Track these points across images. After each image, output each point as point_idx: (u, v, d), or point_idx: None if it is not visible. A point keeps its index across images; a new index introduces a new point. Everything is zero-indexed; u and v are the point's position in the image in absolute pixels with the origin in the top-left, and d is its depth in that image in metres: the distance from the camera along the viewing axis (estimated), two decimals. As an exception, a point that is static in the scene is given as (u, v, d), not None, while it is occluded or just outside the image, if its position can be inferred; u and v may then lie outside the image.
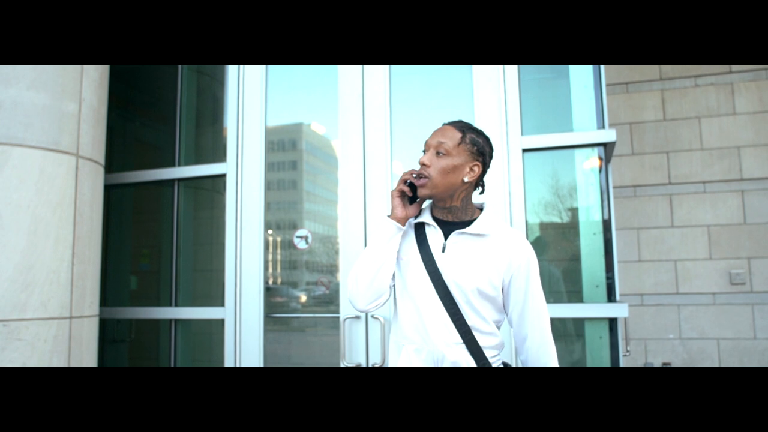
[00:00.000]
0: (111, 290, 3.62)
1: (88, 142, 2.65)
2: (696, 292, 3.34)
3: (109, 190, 3.29)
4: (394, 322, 1.87)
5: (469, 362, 1.73)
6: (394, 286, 1.86)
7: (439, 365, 1.73)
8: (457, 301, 1.75)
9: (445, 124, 1.85)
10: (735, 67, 3.50)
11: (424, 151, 1.83)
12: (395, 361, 1.78)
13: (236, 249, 3.13)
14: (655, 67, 3.46)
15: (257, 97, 3.23)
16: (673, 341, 3.31)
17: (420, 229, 1.82)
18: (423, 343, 1.75)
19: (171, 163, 3.49)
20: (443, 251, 1.78)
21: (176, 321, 3.36)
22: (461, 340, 1.74)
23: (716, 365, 3.28)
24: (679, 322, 3.29)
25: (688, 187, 3.37)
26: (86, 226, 2.62)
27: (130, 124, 4.00)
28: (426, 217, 1.83)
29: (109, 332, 3.62)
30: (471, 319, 1.76)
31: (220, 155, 3.36)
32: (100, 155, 2.81)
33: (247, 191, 3.17)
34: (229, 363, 3.07)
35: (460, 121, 1.85)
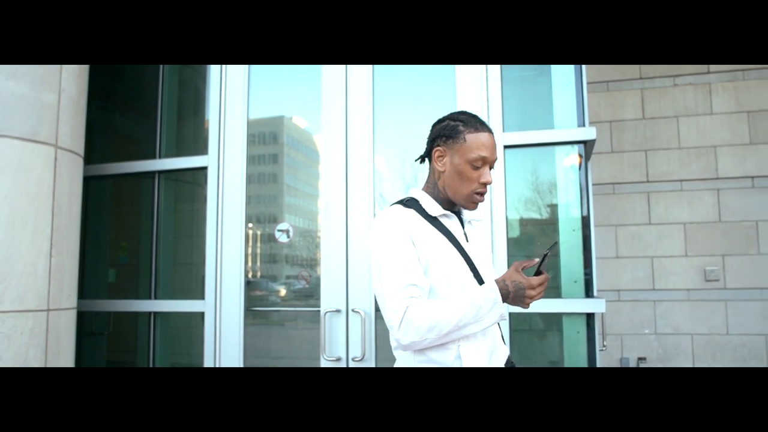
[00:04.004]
0: (89, 283, 3.58)
1: (67, 133, 2.62)
2: (671, 289, 3.40)
3: (89, 181, 3.25)
4: None
5: (507, 350, 1.77)
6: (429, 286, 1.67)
7: (494, 357, 1.69)
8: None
9: (491, 131, 1.72)
10: (713, 68, 3.56)
11: (478, 167, 1.66)
12: (447, 361, 1.59)
13: (217, 242, 3.12)
14: (635, 66, 3.50)
15: (239, 90, 3.21)
16: (648, 336, 3.37)
17: (435, 221, 1.70)
18: (481, 336, 1.63)
19: (152, 156, 3.46)
20: (467, 240, 1.74)
21: (155, 314, 3.34)
22: (500, 330, 1.76)
23: (690, 360, 3.34)
24: (655, 318, 3.35)
25: (666, 185, 3.43)
26: (64, 218, 2.59)
27: (111, 115, 3.95)
28: (439, 209, 1.70)
29: (86, 325, 3.58)
30: None
31: (201, 148, 3.34)
32: (80, 146, 2.77)
33: (229, 184, 3.16)
34: (208, 356, 3.06)
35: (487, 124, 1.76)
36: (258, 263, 3.40)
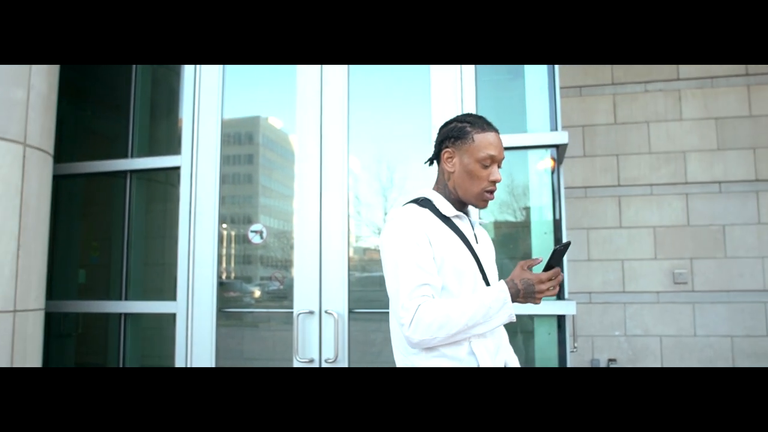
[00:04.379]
0: (58, 283, 3.52)
1: (37, 131, 2.57)
2: (641, 291, 3.46)
3: (58, 180, 3.20)
4: None
5: (510, 350, 1.81)
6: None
7: (500, 354, 1.72)
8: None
9: (497, 132, 1.75)
10: (682, 75, 3.63)
11: (486, 165, 1.69)
12: (460, 356, 1.60)
13: (189, 243, 3.09)
14: (608, 71, 3.56)
15: (214, 89, 3.19)
16: (618, 338, 3.42)
17: (449, 222, 1.71)
18: (490, 333, 1.64)
19: (124, 155, 3.42)
20: (477, 242, 1.76)
21: (126, 315, 3.30)
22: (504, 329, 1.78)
23: (658, 361, 3.40)
24: (625, 320, 3.40)
25: (636, 189, 3.49)
26: (32, 217, 2.54)
27: (82, 113, 3.89)
28: (452, 209, 1.72)
29: (55, 326, 3.52)
30: None
31: (174, 147, 3.31)
32: (49, 144, 2.73)
33: (202, 185, 3.13)
34: (180, 358, 3.03)
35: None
36: (232, 264, 3.37)
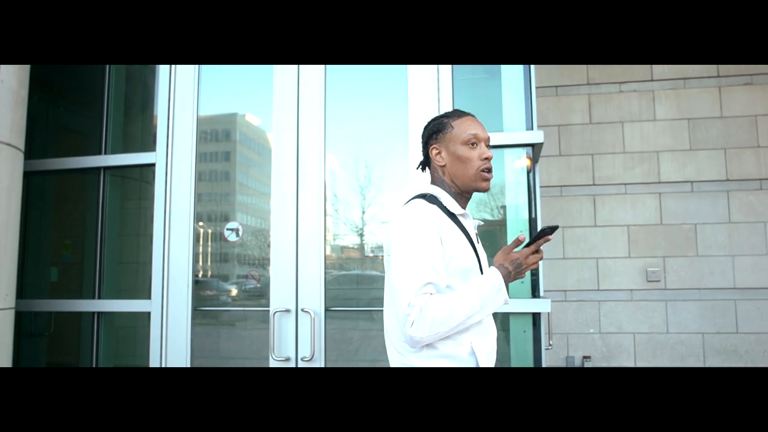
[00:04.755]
0: (29, 282, 3.46)
1: (6, 126, 2.52)
2: (615, 289, 3.50)
3: (30, 177, 3.15)
4: None
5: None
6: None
7: (493, 353, 1.71)
8: None
9: (474, 116, 1.78)
10: (656, 76, 3.68)
11: (474, 144, 1.71)
12: (461, 356, 1.60)
13: (164, 241, 3.06)
14: (583, 72, 3.59)
15: (189, 85, 3.15)
16: (593, 335, 3.46)
17: (455, 219, 1.71)
18: (487, 334, 1.67)
19: (97, 151, 3.37)
20: (477, 242, 1.76)
21: (99, 314, 3.25)
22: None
23: (632, 359, 3.45)
24: (599, 318, 3.44)
25: (611, 189, 3.53)
26: (2, 214, 2.49)
27: (54, 108, 3.82)
28: (459, 207, 1.72)
29: (26, 326, 3.46)
30: None
31: (149, 144, 3.27)
32: (20, 140, 2.67)
33: (177, 182, 3.10)
34: (154, 357, 3.00)
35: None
36: (209, 262, 3.34)
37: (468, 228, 1.72)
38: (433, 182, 1.78)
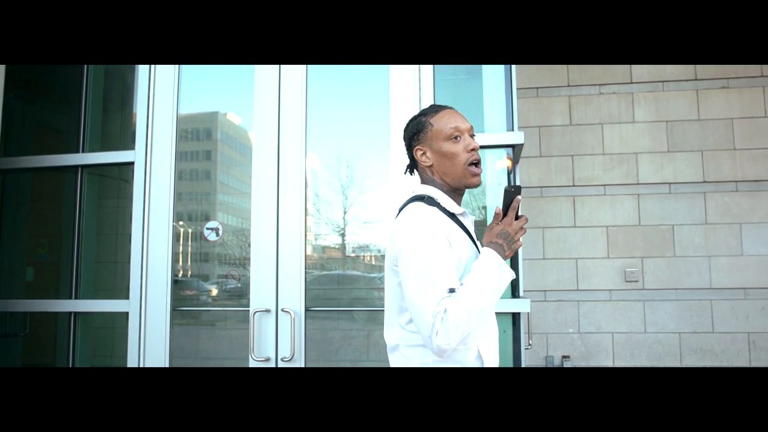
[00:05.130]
0: (4, 282, 3.41)
1: (-20, 123, 2.48)
2: (594, 289, 3.54)
3: (5, 174, 3.10)
4: None
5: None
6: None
7: (497, 353, 1.66)
8: None
9: (451, 108, 1.73)
10: (635, 78, 3.72)
11: (457, 138, 1.66)
12: (468, 361, 1.56)
13: (143, 240, 3.03)
14: (564, 74, 3.62)
15: (169, 83, 3.12)
16: (572, 335, 3.49)
17: (455, 220, 1.65)
18: (490, 334, 1.63)
19: (75, 149, 3.33)
20: (477, 239, 1.70)
21: (76, 314, 3.21)
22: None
23: (610, 358, 3.48)
24: (578, 317, 3.47)
25: (590, 190, 3.56)
26: (-24, 212, 2.45)
27: (30, 105, 3.76)
28: (457, 207, 1.68)
29: (0, 326, 3.40)
30: None
31: (128, 142, 3.23)
32: (-6, 137, 2.63)
33: (156, 181, 3.07)
34: (132, 358, 2.97)
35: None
36: (189, 262, 3.32)
37: (468, 227, 1.68)
38: (424, 183, 1.72)
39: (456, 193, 1.70)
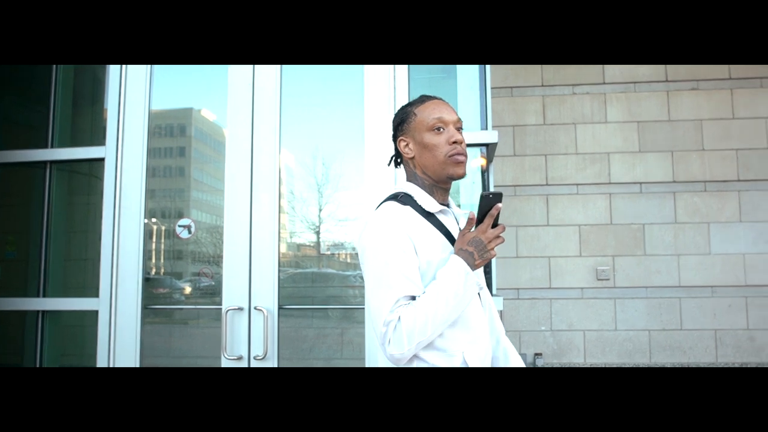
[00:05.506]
0: (-30, 280, 3.34)
1: (-56, 117, 2.42)
2: (566, 287, 3.58)
3: (-30, 170, 3.03)
4: None
5: (507, 340, 1.72)
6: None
7: (488, 357, 1.61)
8: (479, 292, 1.62)
9: (440, 99, 1.67)
10: (608, 79, 3.77)
11: (440, 129, 1.60)
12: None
13: (113, 237, 2.99)
14: (538, 74, 3.66)
15: (141, 78, 3.08)
16: (545, 333, 3.53)
17: (432, 218, 1.58)
18: (478, 339, 1.55)
19: (43, 144, 3.27)
20: None
21: (44, 313, 3.15)
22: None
23: (582, 355, 3.53)
24: (551, 315, 3.51)
25: (563, 189, 3.60)
26: (-61, 208, 2.39)
27: (-2, 100, 3.69)
28: (435, 204, 1.60)
29: (-34, 325, 3.33)
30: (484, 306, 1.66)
31: (98, 138, 3.18)
32: (-41, 132, 2.57)
33: (128, 177, 3.03)
34: (102, 357, 2.93)
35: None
36: (162, 259, 3.28)
37: (449, 225, 1.61)
38: (408, 177, 1.67)
39: (439, 188, 1.64)
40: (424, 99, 1.67)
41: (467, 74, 3.08)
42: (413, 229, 1.51)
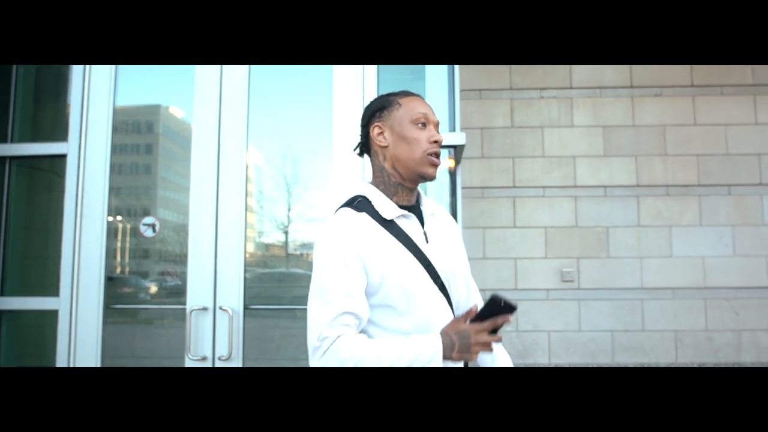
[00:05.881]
0: (-76, 278, 3.23)
1: None
2: (532, 288, 3.62)
3: (-75, 165, 2.94)
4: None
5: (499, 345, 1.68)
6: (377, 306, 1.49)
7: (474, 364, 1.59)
8: (450, 294, 1.58)
9: (419, 96, 1.66)
10: (575, 83, 3.83)
11: (423, 124, 1.56)
12: None
13: (75, 235, 2.93)
14: (506, 77, 3.69)
15: (106, 73, 3.03)
16: (510, 333, 3.57)
17: (391, 224, 1.51)
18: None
19: (3, 139, 3.19)
20: (427, 241, 1.57)
21: (2, 312, 3.08)
22: None
23: (547, 356, 3.57)
24: (517, 316, 3.55)
25: (530, 191, 3.64)
26: None
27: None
28: (395, 210, 1.53)
29: None
30: (459, 309, 1.63)
31: (61, 134, 3.12)
32: None
33: (91, 174, 2.97)
34: (62, 357, 2.87)
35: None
36: (127, 258, 3.23)
37: (410, 231, 1.54)
38: (373, 171, 1.62)
39: (405, 187, 1.59)
40: (408, 93, 1.65)
41: (436, 76, 3.10)
42: (365, 240, 1.46)
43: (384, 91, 3.05)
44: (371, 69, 2.94)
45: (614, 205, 3.73)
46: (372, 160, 1.63)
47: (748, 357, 3.66)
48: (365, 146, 1.65)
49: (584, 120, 3.82)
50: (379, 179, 1.59)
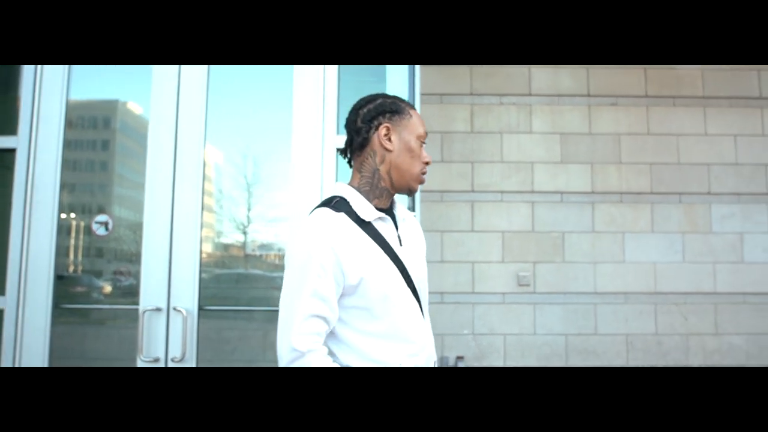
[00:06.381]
0: None
1: None
2: (489, 292, 3.67)
3: None
4: (360, 341, 1.48)
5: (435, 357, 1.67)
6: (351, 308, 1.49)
7: (430, 365, 1.59)
8: (421, 299, 1.60)
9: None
10: (534, 91, 3.90)
11: (424, 143, 1.64)
12: None
13: (23, 232, 2.85)
14: (467, 82, 3.74)
15: (59, 66, 2.96)
16: (467, 336, 3.61)
17: (368, 226, 1.51)
18: (420, 351, 1.53)
19: (-51, 132, 3.08)
20: (401, 244, 1.59)
21: (-56, 311, 2.97)
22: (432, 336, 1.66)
23: (502, 359, 3.62)
24: (473, 319, 3.59)
25: (488, 196, 3.69)
26: None
27: None
28: (373, 212, 1.54)
29: None
30: (424, 312, 1.65)
31: (10, 127, 3.03)
32: None
33: (41, 170, 2.90)
34: (6, 358, 2.79)
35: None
36: (80, 257, 3.16)
37: (386, 233, 1.55)
38: (361, 170, 1.60)
39: (389, 194, 1.60)
40: (411, 104, 1.69)
41: (397, 79, 3.12)
42: (344, 241, 1.45)
43: (344, 93, 3.08)
44: (332, 70, 2.94)
45: (570, 211, 3.81)
46: (363, 160, 1.60)
47: (696, 360, 3.78)
48: (359, 144, 1.62)
49: (542, 127, 3.89)
50: (367, 179, 1.58)
